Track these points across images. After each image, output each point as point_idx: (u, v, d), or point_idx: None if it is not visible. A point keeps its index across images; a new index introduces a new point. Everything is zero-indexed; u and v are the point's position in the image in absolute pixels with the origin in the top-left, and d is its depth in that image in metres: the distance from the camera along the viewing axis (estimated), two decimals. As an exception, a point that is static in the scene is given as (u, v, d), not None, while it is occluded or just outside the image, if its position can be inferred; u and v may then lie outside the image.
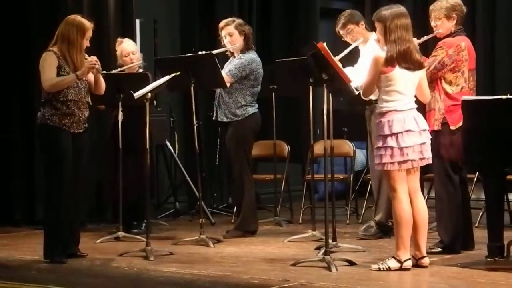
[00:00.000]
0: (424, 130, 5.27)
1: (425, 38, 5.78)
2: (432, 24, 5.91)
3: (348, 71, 6.29)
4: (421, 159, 5.26)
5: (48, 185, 5.86)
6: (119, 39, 7.38)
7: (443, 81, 5.77)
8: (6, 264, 5.86)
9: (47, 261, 5.76)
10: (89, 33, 5.88)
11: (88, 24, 5.88)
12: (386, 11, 5.29)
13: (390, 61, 5.19)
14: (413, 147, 5.20)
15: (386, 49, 5.24)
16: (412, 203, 5.31)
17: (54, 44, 5.85)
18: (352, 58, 6.53)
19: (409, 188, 5.31)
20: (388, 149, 5.19)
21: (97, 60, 5.85)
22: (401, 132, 5.17)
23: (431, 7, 5.94)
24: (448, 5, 5.86)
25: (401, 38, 5.21)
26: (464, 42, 5.84)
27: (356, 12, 6.75)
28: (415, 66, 5.25)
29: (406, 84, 5.25)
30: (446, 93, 5.76)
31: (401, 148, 5.18)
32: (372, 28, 6.02)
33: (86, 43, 5.88)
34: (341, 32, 6.66)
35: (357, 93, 5.88)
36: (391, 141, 5.19)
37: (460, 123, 5.67)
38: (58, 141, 5.76)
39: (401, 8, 5.34)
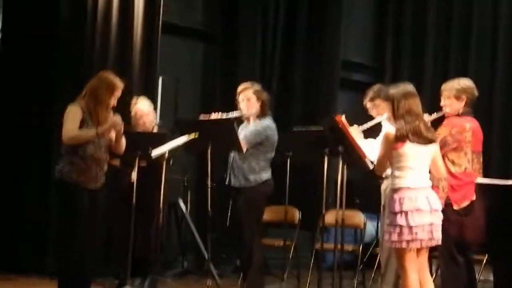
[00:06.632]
0: (436, 210, 5.23)
1: (434, 116, 5.82)
2: (442, 103, 5.97)
3: (368, 143, 6.32)
4: (430, 239, 5.22)
5: (61, 241, 5.84)
6: (134, 99, 7.27)
7: (446, 159, 5.78)
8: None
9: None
10: (118, 92, 5.87)
11: (119, 84, 5.88)
12: (393, 90, 5.35)
13: (400, 137, 5.21)
14: (423, 226, 5.17)
15: (396, 125, 5.27)
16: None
17: (82, 98, 5.84)
18: (376, 131, 6.56)
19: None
20: (397, 227, 5.18)
21: (121, 120, 5.84)
22: (411, 211, 5.16)
23: (443, 86, 6.02)
24: (459, 87, 5.94)
25: (410, 115, 5.24)
26: (469, 123, 5.87)
27: (386, 88, 6.76)
28: (426, 141, 5.26)
29: (418, 159, 5.24)
30: (450, 172, 5.77)
31: (410, 227, 5.16)
32: None
33: (113, 102, 5.86)
34: (368, 105, 6.58)
35: (371, 167, 5.92)
36: (400, 219, 5.17)
37: (464, 203, 5.68)
38: (74, 198, 5.71)
39: (408, 87, 5.38)
